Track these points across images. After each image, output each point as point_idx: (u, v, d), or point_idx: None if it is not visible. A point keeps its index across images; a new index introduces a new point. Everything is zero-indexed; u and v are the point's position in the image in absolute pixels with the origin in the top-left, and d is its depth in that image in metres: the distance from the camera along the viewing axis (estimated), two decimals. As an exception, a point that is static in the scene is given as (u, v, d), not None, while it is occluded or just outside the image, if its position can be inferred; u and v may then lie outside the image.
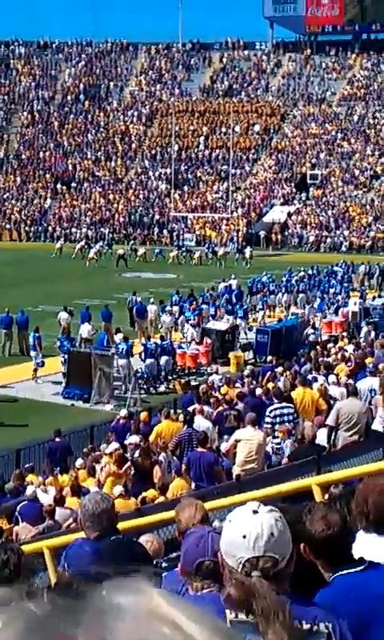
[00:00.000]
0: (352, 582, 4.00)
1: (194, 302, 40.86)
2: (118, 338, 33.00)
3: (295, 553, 3.06)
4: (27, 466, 20.49)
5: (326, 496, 7.35)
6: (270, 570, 2.87)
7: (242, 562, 2.89)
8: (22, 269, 61.42)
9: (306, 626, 3.05)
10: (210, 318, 38.77)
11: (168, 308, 39.10)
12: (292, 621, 2.67)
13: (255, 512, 2.98)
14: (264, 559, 2.88)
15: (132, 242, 75.43)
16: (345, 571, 4.06)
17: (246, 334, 37.95)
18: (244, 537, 2.91)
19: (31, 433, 25.34)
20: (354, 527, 4.47)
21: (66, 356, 31.36)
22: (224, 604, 2.93)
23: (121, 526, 6.13)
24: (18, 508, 16.04)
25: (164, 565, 7.23)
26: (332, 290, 47.47)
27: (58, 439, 21.68)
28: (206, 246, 74.67)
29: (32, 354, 32.55)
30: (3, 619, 0.94)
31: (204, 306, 40.67)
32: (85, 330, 35.08)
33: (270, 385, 22.94)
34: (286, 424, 17.36)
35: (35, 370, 32.29)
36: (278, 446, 16.90)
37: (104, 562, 5.02)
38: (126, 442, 19.38)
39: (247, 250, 67.92)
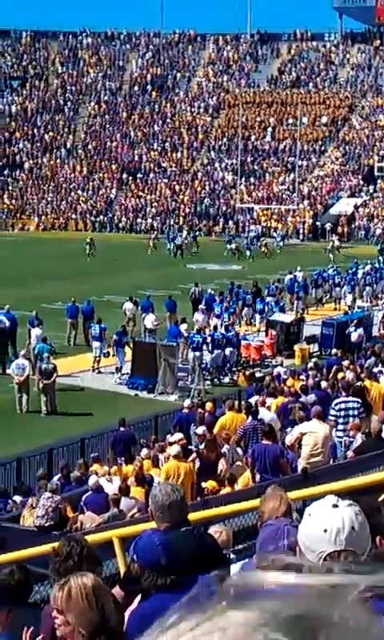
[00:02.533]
0: None
1: (226, 301, 39.45)
2: (182, 328, 33.01)
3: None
4: (93, 455, 20.58)
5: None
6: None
7: (322, 556, 2.86)
8: (89, 259, 61.72)
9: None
10: (274, 311, 38.33)
11: (201, 307, 37.60)
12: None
13: (335, 506, 2.94)
14: (345, 553, 2.84)
15: (196, 232, 75.50)
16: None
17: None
18: (325, 531, 2.87)
19: (96, 422, 25.48)
20: None
21: (118, 349, 31.53)
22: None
23: (191, 517, 6.11)
24: (83, 498, 16.15)
25: (232, 556, 7.21)
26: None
27: (122, 429, 21.71)
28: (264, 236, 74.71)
29: (96, 344, 32.48)
30: None
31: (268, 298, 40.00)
32: (149, 320, 35.12)
33: (340, 375, 22.85)
34: (351, 418, 17.25)
35: (98, 361, 32.34)
36: (351, 439, 16.76)
37: (173, 554, 5.01)
38: (192, 432, 19.40)
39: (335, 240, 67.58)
